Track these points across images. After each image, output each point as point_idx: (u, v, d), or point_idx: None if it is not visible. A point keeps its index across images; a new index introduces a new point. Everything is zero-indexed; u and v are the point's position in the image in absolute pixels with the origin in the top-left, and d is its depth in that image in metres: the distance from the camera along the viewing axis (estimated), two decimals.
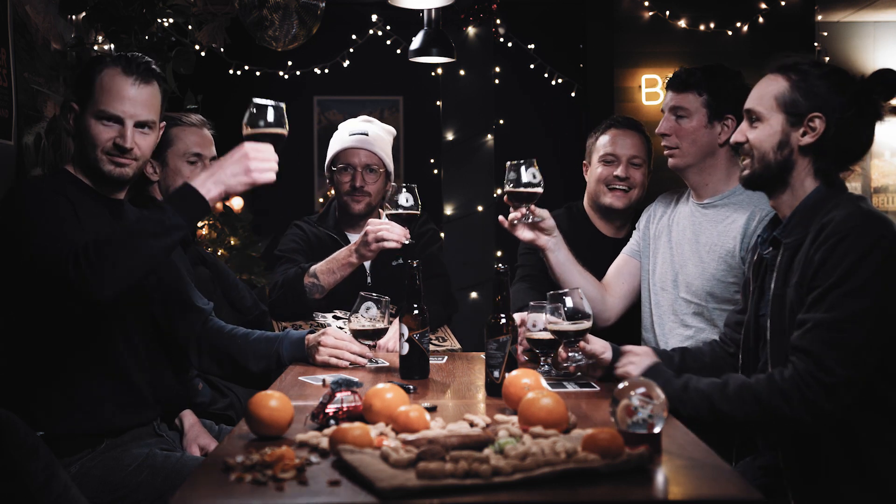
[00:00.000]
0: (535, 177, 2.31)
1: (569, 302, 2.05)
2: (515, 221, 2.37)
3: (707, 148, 2.50)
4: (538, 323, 2.14)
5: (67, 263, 1.86)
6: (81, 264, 1.85)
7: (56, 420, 2.03)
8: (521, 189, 2.30)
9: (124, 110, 2.08)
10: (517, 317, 2.16)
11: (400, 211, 2.55)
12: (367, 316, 2.28)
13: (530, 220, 2.37)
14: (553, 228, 2.43)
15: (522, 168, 2.30)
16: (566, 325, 2.04)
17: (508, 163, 2.32)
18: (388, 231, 2.56)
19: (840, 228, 1.75)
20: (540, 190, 2.32)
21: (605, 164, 2.84)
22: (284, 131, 2.04)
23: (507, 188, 2.32)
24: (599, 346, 2.08)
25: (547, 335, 2.12)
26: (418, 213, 2.57)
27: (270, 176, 1.99)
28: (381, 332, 2.31)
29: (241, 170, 1.95)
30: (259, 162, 1.97)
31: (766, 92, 1.93)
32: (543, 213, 2.40)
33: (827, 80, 1.86)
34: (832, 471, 1.75)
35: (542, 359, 2.18)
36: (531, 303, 2.19)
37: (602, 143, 2.87)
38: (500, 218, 2.40)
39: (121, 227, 2.01)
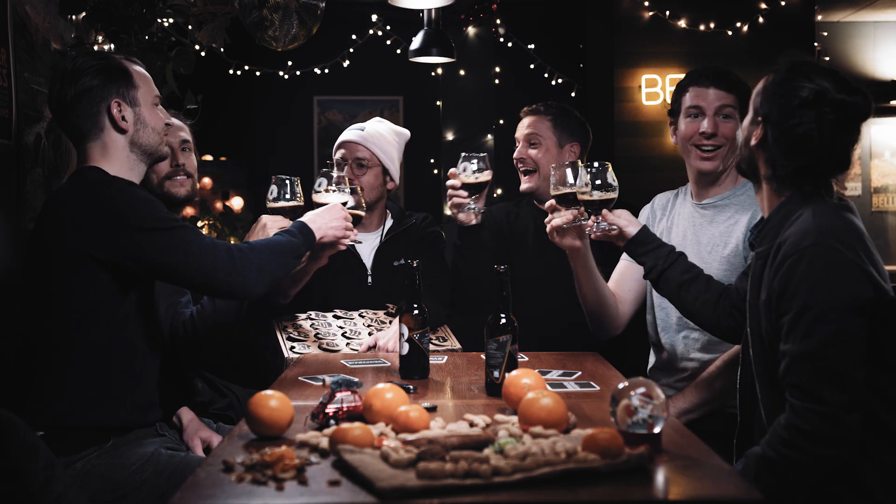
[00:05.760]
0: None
1: (596, 174, 2.20)
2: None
3: (734, 151, 2.41)
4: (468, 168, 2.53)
5: (223, 263, 2.09)
6: (239, 262, 2.11)
7: (68, 411, 2.05)
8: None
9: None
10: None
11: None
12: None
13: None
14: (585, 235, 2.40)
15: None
16: (596, 195, 2.19)
17: (582, 164, 2.25)
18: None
19: (793, 250, 1.71)
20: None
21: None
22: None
23: (583, 196, 2.23)
24: (624, 220, 2.24)
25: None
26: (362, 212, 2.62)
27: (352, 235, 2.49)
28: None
29: (339, 226, 2.42)
30: (349, 222, 2.47)
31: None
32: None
33: (791, 85, 1.79)
34: (828, 492, 1.73)
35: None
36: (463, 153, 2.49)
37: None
38: (557, 222, 2.32)
39: (272, 243, 2.26)
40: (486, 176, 2.67)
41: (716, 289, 2.20)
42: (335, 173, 2.62)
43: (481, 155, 2.66)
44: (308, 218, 2.39)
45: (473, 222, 2.77)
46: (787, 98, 1.79)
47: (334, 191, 2.55)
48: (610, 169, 2.21)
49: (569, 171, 2.27)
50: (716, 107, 2.46)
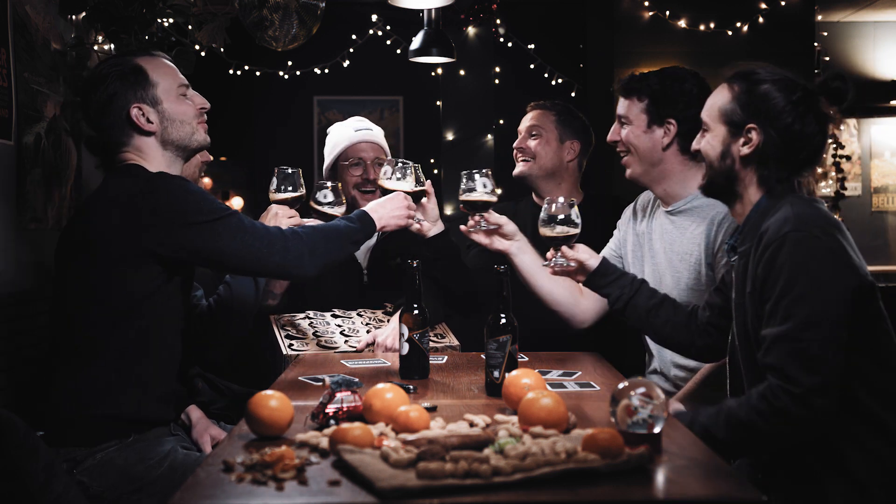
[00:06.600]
0: (486, 186, 2.41)
1: (558, 209, 2.22)
2: (471, 229, 2.46)
3: (649, 154, 2.44)
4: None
5: (279, 244, 2.12)
6: (291, 243, 2.14)
7: (94, 401, 2.07)
8: (475, 198, 2.41)
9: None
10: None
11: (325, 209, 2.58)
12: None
13: (484, 228, 2.45)
14: (514, 233, 2.47)
15: (476, 177, 2.40)
16: (557, 230, 2.21)
17: (463, 172, 2.41)
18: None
19: (774, 238, 1.76)
20: (492, 199, 2.42)
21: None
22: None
23: (461, 197, 2.42)
24: (584, 254, 2.25)
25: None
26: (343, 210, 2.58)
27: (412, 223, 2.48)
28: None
29: (401, 214, 2.41)
30: (412, 210, 2.45)
31: (713, 102, 1.95)
32: (501, 219, 2.46)
33: (769, 88, 1.85)
34: (816, 475, 1.75)
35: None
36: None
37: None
38: (462, 227, 2.49)
39: (327, 227, 2.29)
40: (405, 186, 2.52)
41: (682, 310, 2.21)
42: (330, 184, 2.58)
43: (407, 164, 2.52)
44: (370, 207, 2.40)
45: (429, 233, 2.65)
46: (773, 98, 1.85)
47: (399, 178, 2.52)
48: (575, 207, 2.24)
49: (475, 179, 2.40)
50: (617, 116, 2.54)
